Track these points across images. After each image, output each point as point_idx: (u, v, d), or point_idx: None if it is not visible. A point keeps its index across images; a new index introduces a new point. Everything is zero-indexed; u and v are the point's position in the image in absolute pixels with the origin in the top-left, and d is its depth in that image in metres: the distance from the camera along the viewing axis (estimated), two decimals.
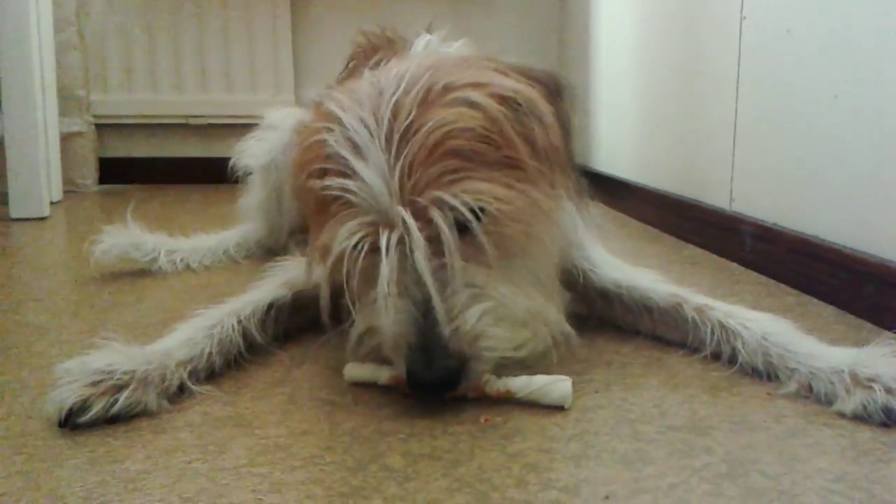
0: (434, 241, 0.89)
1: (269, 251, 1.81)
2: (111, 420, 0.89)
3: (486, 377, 0.94)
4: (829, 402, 0.93)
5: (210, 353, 1.03)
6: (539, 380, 0.94)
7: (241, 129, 1.93)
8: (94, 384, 0.90)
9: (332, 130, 0.94)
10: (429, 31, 1.25)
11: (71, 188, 3.08)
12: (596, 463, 0.80)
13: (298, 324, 1.20)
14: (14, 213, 2.44)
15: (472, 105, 0.91)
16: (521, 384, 0.94)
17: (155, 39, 3.32)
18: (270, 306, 1.15)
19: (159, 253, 1.72)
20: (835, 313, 1.33)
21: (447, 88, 0.92)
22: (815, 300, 1.42)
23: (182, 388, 0.98)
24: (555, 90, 1.02)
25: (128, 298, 1.48)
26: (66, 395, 0.89)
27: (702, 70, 1.98)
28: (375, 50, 1.35)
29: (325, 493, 0.74)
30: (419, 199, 0.88)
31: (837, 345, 1.03)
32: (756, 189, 1.72)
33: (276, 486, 0.75)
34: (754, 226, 1.68)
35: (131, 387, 0.91)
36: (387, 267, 0.88)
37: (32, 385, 1.02)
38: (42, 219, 2.45)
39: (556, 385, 0.94)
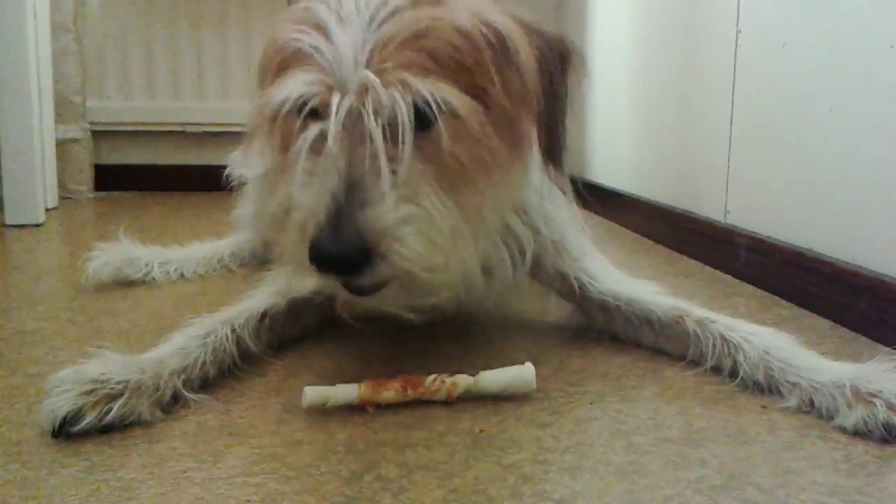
0: (384, 124, 0.88)
1: (263, 261, 1.81)
2: (105, 429, 0.89)
3: (446, 378, 0.96)
4: (830, 417, 0.93)
5: (204, 362, 1.03)
6: (501, 370, 0.98)
7: (237, 137, 1.93)
8: (88, 393, 0.90)
9: (319, 1, 0.95)
10: None
11: (66, 195, 3.07)
12: (591, 475, 0.80)
13: (293, 332, 1.20)
14: (9, 220, 2.43)
15: (456, 24, 0.91)
16: (483, 377, 0.98)
17: (152, 47, 3.32)
18: (264, 315, 1.15)
19: (153, 266, 1.72)
20: (829, 326, 1.34)
21: (439, 2, 0.93)
22: (809, 313, 1.42)
23: (176, 398, 0.97)
24: (559, 53, 1.02)
25: (122, 306, 1.48)
26: (59, 404, 0.88)
27: (697, 82, 1.99)
28: None
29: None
30: (385, 76, 0.87)
31: (831, 358, 1.03)
32: (751, 201, 1.73)
33: (270, 496, 0.75)
34: (749, 238, 1.68)
35: (125, 396, 0.91)
36: (334, 129, 0.87)
37: (27, 392, 1.02)
38: (37, 225, 2.45)
39: (520, 370, 0.98)
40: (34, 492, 0.76)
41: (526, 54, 0.96)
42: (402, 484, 0.78)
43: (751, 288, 1.63)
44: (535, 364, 1.00)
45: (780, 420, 0.94)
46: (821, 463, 0.83)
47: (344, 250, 0.85)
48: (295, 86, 0.90)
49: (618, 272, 1.25)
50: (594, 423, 0.93)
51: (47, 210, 2.61)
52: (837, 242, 1.40)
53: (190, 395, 0.98)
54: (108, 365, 0.93)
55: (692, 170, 2.03)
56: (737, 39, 1.76)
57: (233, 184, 1.85)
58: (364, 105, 0.87)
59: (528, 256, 1.17)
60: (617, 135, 2.66)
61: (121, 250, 1.71)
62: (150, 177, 3.42)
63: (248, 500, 0.75)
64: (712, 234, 1.85)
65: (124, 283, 1.66)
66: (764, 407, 0.98)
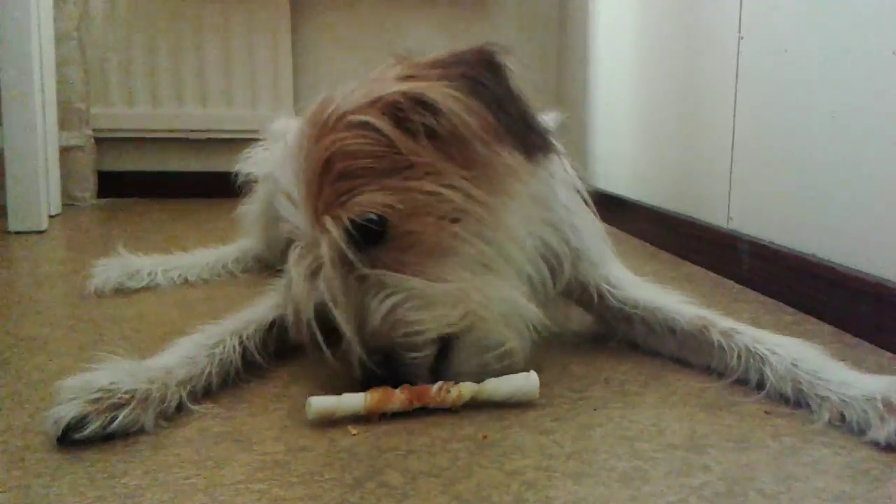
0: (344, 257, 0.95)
1: (267, 266, 1.81)
2: (108, 438, 0.89)
3: (451, 387, 0.96)
4: (862, 432, 0.90)
5: (210, 373, 1.03)
6: (505, 378, 0.98)
7: (240, 143, 1.93)
8: (95, 402, 0.89)
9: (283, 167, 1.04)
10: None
11: (70, 202, 3.08)
12: (594, 481, 0.80)
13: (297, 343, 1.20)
14: (12, 226, 2.44)
15: (357, 125, 0.96)
16: (487, 385, 0.98)
17: (155, 54, 3.33)
18: (272, 324, 1.15)
19: (156, 274, 1.72)
20: (832, 332, 1.34)
21: (341, 116, 0.97)
22: (812, 318, 1.42)
23: (180, 407, 0.98)
24: (484, 67, 1.03)
25: (126, 313, 1.48)
26: (65, 411, 0.88)
27: (699, 88, 1.99)
28: None
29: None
30: (323, 220, 0.95)
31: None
32: (754, 207, 1.73)
33: (274, 503, 0.75)
34: (752, 244, 1.68)
35: (131, 406, 0.91)
36: (298, 284, 0.99)
37: (31, 399, 1.02)
38: (40, 232, 2.45)
39: (525, 378, 0.98)
40: (38, 498, 0.76)
41: (438, 97, 0.96)
42: (405, 490, 0.78)
43: (754, 293, 1.63)
44: (537, 371, 1.00)
45: (784, 426, 0.94)
46: (824, 469, 0.83)
47: (371, 372, 0.95)
48: (293, 260, 1.01)
49: (639, 280, 1.23)
50: (597, 429, 0.93)
51: (50, 217, 2.61)
52: (840, 248, 1.40)
53: (194, 406, 0.98)
54: (117, 374, 0.93)
55: (695, 175, 2.03)
56: (739, 45, 1.76)
57: (241, 181, 1.85)
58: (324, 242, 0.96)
59: (567, 271, 1.15)
60: (619, 140, 2.67)
61: (121, 265, 1.71)
62: (153, 183, 3.42)
63: None
64: (715, 240, 1.85)
65: (130, 292, 1.66)
66: (767, 412, 0.98)
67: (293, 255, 1.01)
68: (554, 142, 1.05)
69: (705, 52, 1.95)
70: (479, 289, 0.97)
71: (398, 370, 0.95)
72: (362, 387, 0.95)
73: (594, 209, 1.23)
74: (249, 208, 1.84)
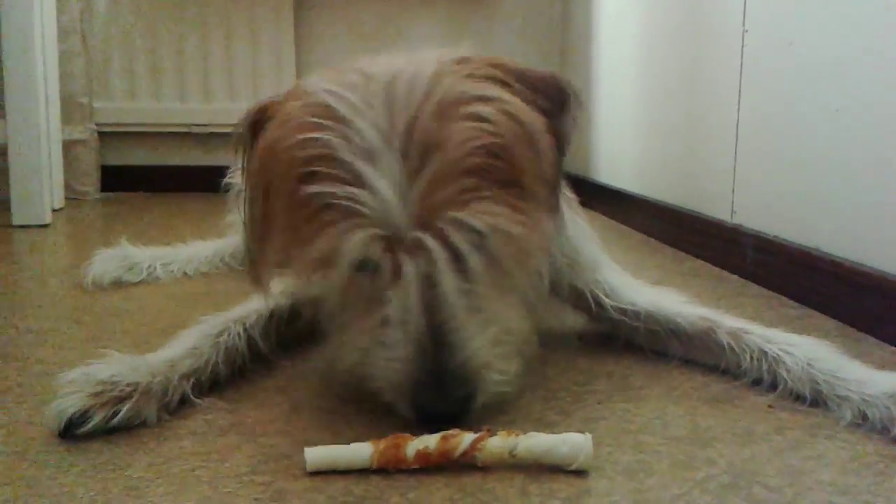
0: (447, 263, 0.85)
1: None
2: (111, 431, 0.89)
3: (485, 442, 0.81)
4: (885, 430, 0.89)
5: (216, 363, 1.02)
6: (548, 438, 0.81)
7: None
8: (96, 395, 0.90)
9: (333, 130, 0.86)
10: None
11: (72, 196, 3.08)
12: (598, 474, 0.80)
13: (296, 332, 1.20)
14: (16, 220, 2.44)
15: (484, 120, 0.87)
16: (534, 444, 0.81)
17: (158, 48, 3.33)
18: (272, 314, 1.15)
19: (155, 267, 1.73)
20: (836, 326, 1.34)
21: (459, 101, 0.87)
22: (815, 312, 1.42)
23: (184, 400, 0.97)
24: (557, 100, 0.99)
25: (129, 306, 1.48)
26: (66, 405, 0.88)
27: (703, 82, 1.99)
28: None
29: (328, 502, 0.74)
30: (436, 220, 0.84)
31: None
32: (757, 201, 1.72)
33: (278, 495, 0.75)
34: (755, 238, 1.68)
35: (133, 399, 0.91)
36: (412, 291, 0.84)
37: (34, 392, 1.02)
38: (43, 226, 2.46)
39: (572, 440, 0.80)
40: (43, 490, 0.77)
41: (542, 129, 0.92)
42: (409, 483, 0.78)
43: (757, 287, 1.63)
44: (541, 364, 0.99)
45: (788, 419, 0.94)
46: (829, 462, 0.83)
47: (453, 407, 0.85)
48: (356, 247, 0.84)
49: (636, 283, 1.21)
50: (601, 422, 0.93)
51: (54, 211, 2.62)
52: (844, 242, 1.40)
53: (198, 400, 0.98)
54: (118, 367, 0.93)
55: (698, 169, 2.03)
56: (743, 39, 1.75)
57: (231, 191, 1.84)
58: (428, 256, 0.84)
59: (563, 278, 1.14)
60: (623, 135, 2.66)
61: (120, 257, 1.71)
62: (156, 178, 3.43)
63: (256, 499, 0.75)
64: (719, 234, 1.85)
65: (130, 284, 1.67)
66: (771, 406, 0.98)
67: (372, 252, 0.85)
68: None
69: (709, 46, 1.95)
70: (522, 333, 0.94)
71: (467, 413, 0.86)
72: (423, 425, 0.83)
73: (580, 210, 1.20)
74: (237, 215, 1.82)
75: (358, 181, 0.84)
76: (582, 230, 1.19)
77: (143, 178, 3.43)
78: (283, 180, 0.89)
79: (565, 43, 3.47)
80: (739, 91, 1.78)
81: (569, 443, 0.80)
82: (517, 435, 0.80)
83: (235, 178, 1.82)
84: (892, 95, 1.26)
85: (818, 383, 0.97)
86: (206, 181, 3.32)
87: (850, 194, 1.38)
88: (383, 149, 0.84)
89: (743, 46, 1.76)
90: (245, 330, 1.09)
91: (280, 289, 1.20)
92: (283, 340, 1.17)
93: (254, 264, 0.99)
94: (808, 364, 0.99)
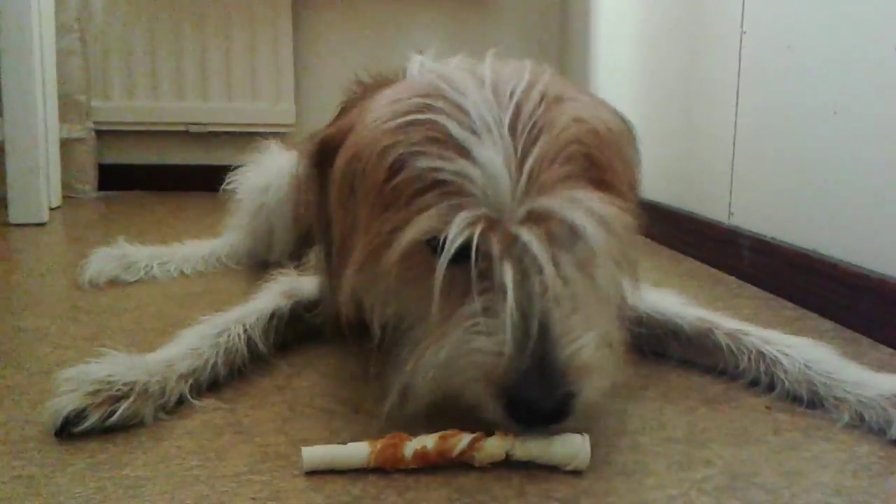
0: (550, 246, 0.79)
1: (259, 260, 1.80)
2: (108, 430, 0.89)
3: (482, 441, 0.80)
4: (882, 431, 0.90)
5: (215, 364, 1.02)
6: (557, 439, 0.80)
7: (241, 136, 1.94)
8: (93, 394, 0.89)
9: (441, 110, 0.82)
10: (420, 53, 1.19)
11: (70, 194, 3.07)
12: (595, 474, 0.80)
13: (296, 334, 1.20)
14: (13, 219, 2.44)
15: (585, 120, 0.85)
16: (532, 445, 0.80)
17: (156, 47, 3.33)
18: (272, 315, 1.14)
19: (152, 266, 1.73)
20: (832, 327, 1.34)
21: (560, 96, 0.86)
22: (812, 314, 1.42)
23: (181, 400, 0.97)
24: (629, 133, 0.99)
25: (127, 304, 1.48)
26: (63, 403, 0.88)
27: (702, 83, 1.99)
28: (373, 88, 1.30)
29: (325, 502, 0.74)
30: (546, 200, 0.79)
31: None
32: (755, 203, 1.73)
33: (276, 494, 0.76)
34: (753, 239, 1.68)
35: (130, 399, 0.90)
36: (510, 275, 0.77)
37: (31, 390, 1.02)
38: (41, 224, 2.45)
39: (570, 441, 0.80)
40: (40, 489, 0.76)
41: (632, 151, 0.92)
42: (407, 482, 0.78)
43: (754, 289, 1.63)
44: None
45: (785, 420, 0.94)
46: (826, 463, 0.83)
47: (556, 404, 0.77)
48: (458, 227, 0.77)
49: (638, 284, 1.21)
50: (599, 423, 0.93)
51: (51, 209, 2.61)
52: (841, 243, 1.40)
53: (196, 401, 0.98)
54: (115, 366, 0.93)
55: (696, 171, 2.03)
56: (741, 41, 1.76)
57: (236, 195, 1.84)
58: (540, 234, 0.78)
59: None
60: None
61: (117, 255, 1.71)
62: (153, 176, 3.42)
63: (253, 498, 0.75)
64: (716, 236, 1.85)
65: (126, 283, 1.67)
66: (768, 408, 0.98)
67: (470, 228, 0.78)
68: None
69: (707, 47, 1.95)
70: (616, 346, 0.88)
71: (558, 416, 0.78)
72: (519, 426, 0.79)
73: None
74: (241, 219, 1.83)
75: (466, 157, 0.79)
76: None
77: (140, 176, 3.42)
78: (370, 174, 0.84)
79: (563, 45, 3.47)
80: (737, 92, 1.78)
81: (566, 443, 0.79)
82: (515, 435, 0.80)
83: (238, 183, 1.83)
84: (890, 97, 1.27)
85: (815, 385, 0.98)
86: (205, 180, 3.33)
87: (848, 196, 1.38)
88: (494, 126, 0.80)
89: (741, 48, 1.76)
90: (245, 331, 1.09)
91: (279, 290, 1.20)
92: (282, 341, 1.17)
93: (334, 293, 0.93)
94: (806, 365, 1.00)
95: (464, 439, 0.79)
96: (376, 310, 0.89)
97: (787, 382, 1.00)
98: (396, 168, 0.82)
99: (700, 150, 2.00)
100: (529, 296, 0.78)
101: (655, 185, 2.33)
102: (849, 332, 1.31)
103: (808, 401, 0.98)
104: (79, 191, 3.15)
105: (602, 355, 0.82)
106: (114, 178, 3.36)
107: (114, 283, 1.65)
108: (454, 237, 0.77)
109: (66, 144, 3.02)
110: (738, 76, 1.77)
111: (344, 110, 1.29)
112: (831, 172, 1.43)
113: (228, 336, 1.06)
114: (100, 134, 3.29)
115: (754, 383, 1.04)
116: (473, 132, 0.80)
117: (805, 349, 1.02)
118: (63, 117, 2.97)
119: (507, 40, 3.52)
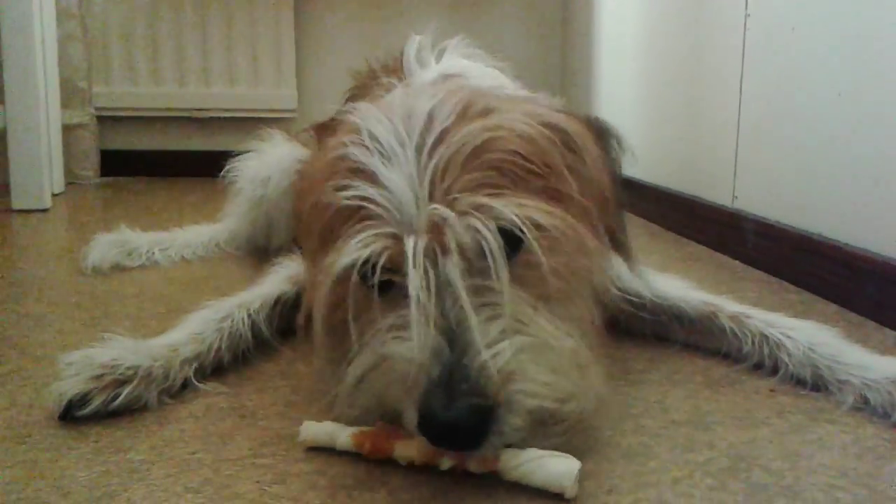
0: (465, 257, 0.76)
1: (258, 246, 1.80)
2: (111, 415, 0.89)
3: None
4: (886, 415, 0.89)
5: (219, 349, 1.03)
6: (532, 454, 0.74)
7: (243, 122, 1.93)
8: (97, 378, 0.90)
9: (353, 142, 0.83)
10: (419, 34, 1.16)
11: (72, 180, 3.08)
12: (599, 457, 0.80)
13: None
14: (16, 205, 2.44)
15: (516, 130, 0.81)
16: (511, 459, 0.74)
17: (158, 32, 3.32)
18: (277, 301, 1.14)
19: (153, 252, 1.73)
20: (837, 311, 1.33)
21: (488, 109, 0.83)
22: (817, 298, 1.42)
23: (185, 384, 0.97)
24: (599, 133, 0.95)
25: (130, 290, 1.48)
26: (67, 387, 0.89)
27: (705, 67, 1.98)
28: (377, 76, 1.25)
29: (330, 484, 0.74)
30: (456, 205, 0.76)
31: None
32: (759, 186, 1.72)
33: (280, 477, 0.76)
34: (757, 223, 1.68)
35: (134, 383, 0.91)
36: (416, 276, 0.74)
37: (35, 376, 1.03)
38: (43, 210, 2.45)
39: (557, 462, 0.73)
40: (44, 473, 0.77)
41: (591, 147, 0.88)
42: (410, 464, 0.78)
43: (759, 273, 1.62)
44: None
45: (789, 403, 0.94)
46: (829, 445, 0.83)
47: (463, 416, 0.69)
48: (354, 250, 0.77)
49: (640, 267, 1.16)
50: (602, 406, 0.93)
51: (54, 195, 2.61)
52: (845, 227, 1.39)
53: (199, 385, 0.98)
54: (119, 350, 0.93)
55: (700, 155, 2.02)
56: (745, 23, 1.74)
57: (237, 184, 1.84)
58: (441, 244, 0.75)
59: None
60: (624, 119, 2.65)
61: (119, 241, 1.72)
62: (156, 162, 3.42)
63: (257, 481, 0.75)
64: (720, 220, 1.85)
65: (128, 268, 1.67)
66: (772, 390, 0.98)
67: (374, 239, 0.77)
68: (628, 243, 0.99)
69: (711, 31, 1.94)
70: (588, 364, 0.80)
71: (483, 431, 0.71)
72: (430, 436, 0.72)
73: None
74: (240, 207, 1.82)
75: (371, 181, 0.79)
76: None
77: (142, 162, 3.42)
78: (314, 215, 0.86)
79: (567, 26, 3.45)
80: (741, 76, 1.77)
81: (550, 466, 0.73)
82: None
83: (239, 172, 1.83)
84: (894, 79, 1.26)
85: (819, 368, 0.98)
86: (206, 166, 3.32)
87: (852, 179, 1.37)
88: (397, 146, 0.80)
89: (745, 31, 1.75)
90: (249, 315, 1.09)
91: (284, 275, 1.20)
92: (287, 327, 1.17)
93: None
94: (810, 348, 0.99)
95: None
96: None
97: (790, 365, 1.00)
98: (329, 204, 0.83)
99: (704, 133, 1.99)
100: (442, 306, 0.74)
101: (659, 169, 2.32)
102: (853, 316, 1.30)
103: (812, 384, 0.98)
104: (81, 177, 3.15)
105: (537, 361, 0.75)
106: (116, 164, 3.36)
107: (116, 268, 1.65)
108: (351, 259, 0.77)
109: (68, 130, 3.02)
110: (743, 59, 1.76)
111: (351, 98, 1.28)
112: (836, 155, 1.42)
113: (232, 321, 1.06)
114: (101, 120, 3.29)
115: (758, 367, 1.04)
116: (382, 158, 0.80)
117: (809, 332, 1.02)
118: (65, 103, 2.97)
119: (510, 21, 3.50)
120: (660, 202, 2.24)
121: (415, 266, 0.74)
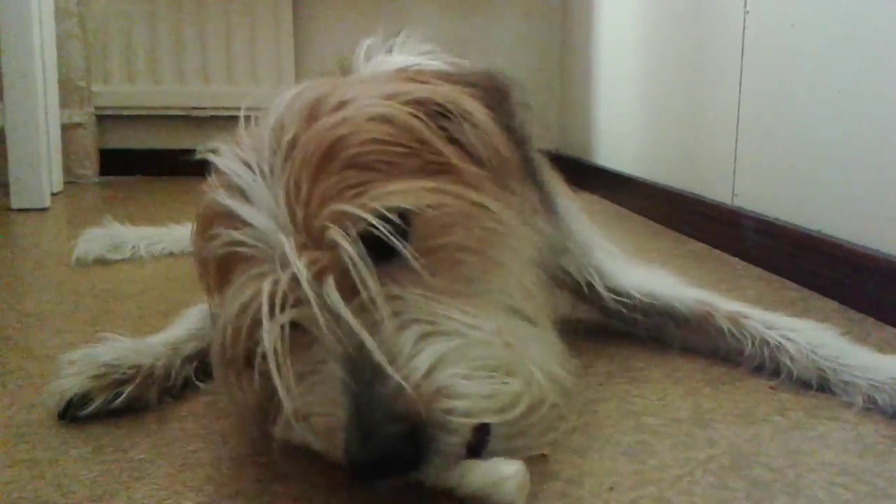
0: (348, 273, 0.68)
1: None
2: (112, 413, 0.89)
3: None
4: (895, 415, 0.89)
5: None
6: (485, 468, 0.67)
7: None
8: (98, 377, 0.89)
9: (219, 185, 0.78)
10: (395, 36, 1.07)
11: (71, 179, 3.07)
12: (600, 455, 0.80)
13: None
14: (15, 204, 2.44)
15: (374, 117, 0.74)
16: (459, 473, 0.66)
17: (156, 30, 3.31)
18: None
19: (139, 248, 1.73)
20: (837, 308, 1.33)
21: (341, 103, 0.75)
22: (817, 295, 1.41)
23: (186, 383, 0.97)
24: (496, 92, 0.88)
25: (130, 289, 1.48)
26: (67, 386, 0.88)
27: (705, 64, 1.98)
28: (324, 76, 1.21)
29: (328, 484, 0.74)
30: (314, 221, 0.69)
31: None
32: (758, 184, 1.72)
33: (280, 476, 0.76)
34: (756, 220, 1.68)
35: (135, 382, 0.90)
36: (270, 330, 0.67)
37: (35, 375, 1.02)
38: (42, 209, 2.45)
39: (502, 469, 0.66)
40: (45, 472, 0.77)
41: (473, 110, 0.80)
42: None
43: (758, 270, 1.62)
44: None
45: (789, 400, 0.94)
46: (830, 443, 0.83)
47: (382, 450, 0.63)
48: (231, 298, 0.72)
49: (629, 265, 1.15)
50: (602, 404, 0.93)
51: (53, 194, 2.61)
52: (845, 224, 1.39)
53: (200, 384, 0.97)
54: (120, 350, 0.93)
55: (699, 152, 2.02)
56: (745, 20, 1.74)
57: None
58: (319, 267, 0.68)
59: (551, 259, 1.00)
60: (624, 117, 2.65)
61: (107, 235, 1.72)
62: (155, 161, 3.41)
63: (258, 480, 0.75)
64: (720, 217, 1.85)
65: (131, 264, 1.67)
66: (772, 388, 0.98)
67: (249, 278, 0.71)
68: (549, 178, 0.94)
69: (711, 27, 1.94)
70: (529, 351, 0.73)
71: (411, 458, 0.64)
72: (362, 478, 0.66)
73: (572, 195, 1.13)
74: None
75: (237, 222, 0.73)
76: (570, 210, 1.09)
77: (142, 161, 3.42)
78: (202, 273, 0.83)
79: (566, 25, 3.45)
80: (741, 72, 1.77)
81: (489, 471, 0.66)
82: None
83: None
84: (894, 76, 1.26)
85: (824, 370, 0.96)
86: (206, 165, 3.33)
87: (852, 176, 1.37)
88: (249, 178, 0.74)
89: (744, 27, 1.75)
90: None
91: None
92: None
93: None
94: (812, 350, 0.98)
95: None
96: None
97: (794, 369, 0.98)
98: (207, 258, 0.79)
99: (703, 130, 1.99)
100: (343, 333, 0.67)
101: (659, 166, 2.32)
102: (853, 313, 1.30)
103: (817, 385, 0.97)
104: (80, 176, 3.15)
105: (463, 363, 0.67)
106: (115, 163, 3.35)
107: (100, 262, 1.66)
108: (231, 312, 0.71)
109: (66, 129, 3.01)
110: (742, 56, 1.76)
111: None
112: (835, 152, 1.42)
113: None
114: (100, 119, 3.29)
115: (758, 369, 1.03)
116: (240, 195, 0.74)
117: (809, 333, 1.01)
118: (63, 102, 2.96)
119: (509, 18, 3.50)
120: (659, 200, 2.24)
121: (270, 318, 0.68)
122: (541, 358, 0.74)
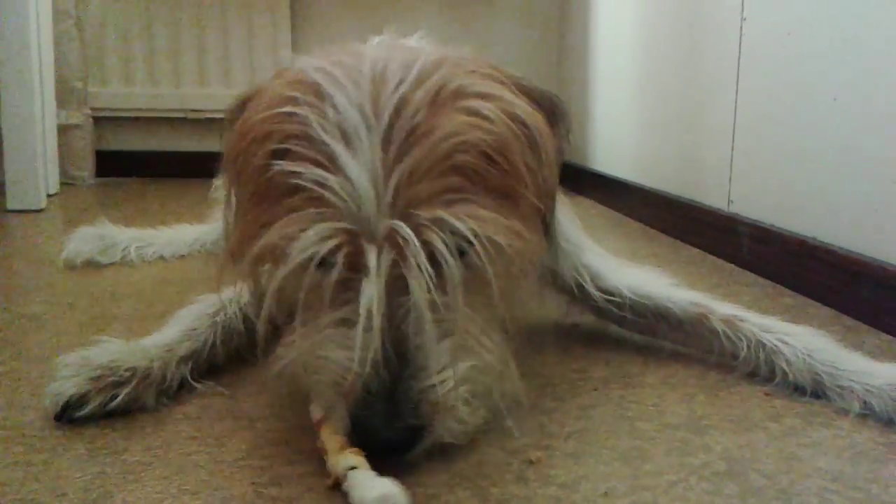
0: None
1: None
2: (107, 416, 0.89)
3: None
4: (891, 421, 0.89)
5: (214, 344, 1.02)
6: (367, 482, 0.70)
7: None
8: (95, 379, 0.89)
9: (311, 105, 0.77)
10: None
11: (68, 181, 3.07)
12: (595, 460, 0.80)
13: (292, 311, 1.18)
14: (10, 205, 2.43)
15: (485, 118, 0.78)
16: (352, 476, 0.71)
17: (154, 32, 3.31)
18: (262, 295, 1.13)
19: (129, 251, 1.72)
20: (832, 315, 1.34)
21: (459, 92, 0.79)
22: (812, 302, 1.42)
23: (182, 385, 0.97)
24: (553, 116, 0.92)
25: (125, 290, 1.48)
26: (64, 388, 0.88)
27: (702, 71, 1.98)
28: None
29: (325, 488, 0.74)
30: (416, 216, 0.73)
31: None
32: (754, 190, 1.72)
33: (275, 479, 0.76)
34: (752, 227, 1.68)
35: (132, 384, 0.90)
36: (373, 288, 0.71)
37: (30, 376, 1.02)
38: (38, 211, 2.45)
39: (374, 488, 0.69)
40: (39, 474, 0.76)
41: (549, 144, 0.84)
42: (405, 468, 0.78)
43: (754, 276, 1.63)
44: (538, 352, 0.97)
45: (784, 407, 0.94)
46: (825, 450, 0.83)
47: (397, 435, 0.73)
48: (312, 243, 0.73)
49: (621, 265, 1.17)
50: (598, 409, 0.94)
51: (48, 196, 2.61)
52: (841, 231, 1.40)
53: (196, 385, 0.97)
54: (117, 352, 0.93)
55: (696, 158, 2.03)
56: (741, 27, 1.75)
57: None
58: (401, 256, 0.73)
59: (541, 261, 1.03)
60: (620, 123, 2.66)
61: (98, 236, 1.71)
62: (151, 163, 3.41)
63: (253, 483, 0.75)
64: (716, 223, 1.85)
65: (127, 265, 1.67)
66: (767, 394, 0.98)
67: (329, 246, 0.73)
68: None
69: (708, 34, 1.94)
70: (504, 372, 0.81)
71: (412, 448, 0.75)
72: (359, 443, 0.74)
73: (565, 199, 1.15)
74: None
75: (330, 164, 0.74)
76: (562, 212, 1.08)
77: (138, 163, 3.41)
78: (251, 158, 0.80)
79: (564, 28, 3.46)
80: (737, 79, 1.78)
81: (371, 488, 0.69)
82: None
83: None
84: (890, 84, 1.26)
85: (819, 374, 0.96)
86: (202, 167, 3.32)
87: (848, 184, 1.38)
88: (363, 131, 0.75)
89: (741, 35, 1.75)
90: (241, 308, 1.08)
91: None
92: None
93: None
94: (808, 355, 0.98)
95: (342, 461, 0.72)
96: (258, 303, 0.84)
97: (789, 373, 0.98)
98: (273, 158, 0.78)
99: (700, 137, 2.00)
100: (390, 317, 0.73)
101: (655, 172, 2.33)
102: (848, 320, 1.31)
103: (812, 391, 0.97)
104: (76, 177, 3.14)
105: (468, 390, 0.77)
106: (112, 165, 3.35)
107: (89, 264, 1.66)
108: (302, 250, 0.73)
109: (63, 131, 3.01)
110: (739, 63, 1.77)
111: None
112: (831, 159, 1.42)
113: (225, 314, 1.05)
114: (97, 120, 3.28)
115: (753, 373, 1.03)
116: (341, 136, 0.75)
117: (805, 338, 1.01)
118: (60, 103, 2.96)
119: (506, 26, 3.50)
120: (656, 206, 2.25)
121: (377, 276, 0.72)
122: (508, 376, 0.82)
